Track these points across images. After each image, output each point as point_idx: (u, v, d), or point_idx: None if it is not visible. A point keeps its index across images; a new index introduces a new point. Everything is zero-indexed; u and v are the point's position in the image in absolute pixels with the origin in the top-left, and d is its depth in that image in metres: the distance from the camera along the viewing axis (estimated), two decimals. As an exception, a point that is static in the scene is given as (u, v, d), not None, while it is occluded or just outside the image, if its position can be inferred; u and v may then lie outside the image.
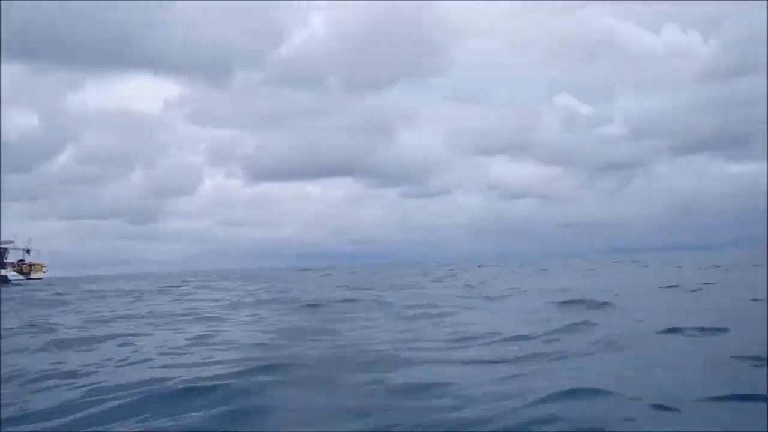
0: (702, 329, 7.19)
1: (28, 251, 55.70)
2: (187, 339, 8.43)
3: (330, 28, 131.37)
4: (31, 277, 52.15)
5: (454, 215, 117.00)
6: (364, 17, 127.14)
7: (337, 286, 23.60)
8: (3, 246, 54.87)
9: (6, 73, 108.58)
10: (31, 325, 11.26)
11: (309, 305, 13.70)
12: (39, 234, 58.89)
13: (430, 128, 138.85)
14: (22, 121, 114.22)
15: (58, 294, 25.63)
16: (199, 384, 4.89)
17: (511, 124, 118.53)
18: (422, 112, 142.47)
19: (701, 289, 14.59)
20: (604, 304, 11.20)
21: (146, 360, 6.67)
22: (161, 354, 7.08)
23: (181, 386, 4.87)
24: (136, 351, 7.44)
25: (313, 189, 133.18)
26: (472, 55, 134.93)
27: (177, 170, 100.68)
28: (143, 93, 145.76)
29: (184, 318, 11.94)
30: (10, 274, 47.88)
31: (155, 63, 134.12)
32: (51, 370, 6.21)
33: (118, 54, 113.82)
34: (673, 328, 7.38)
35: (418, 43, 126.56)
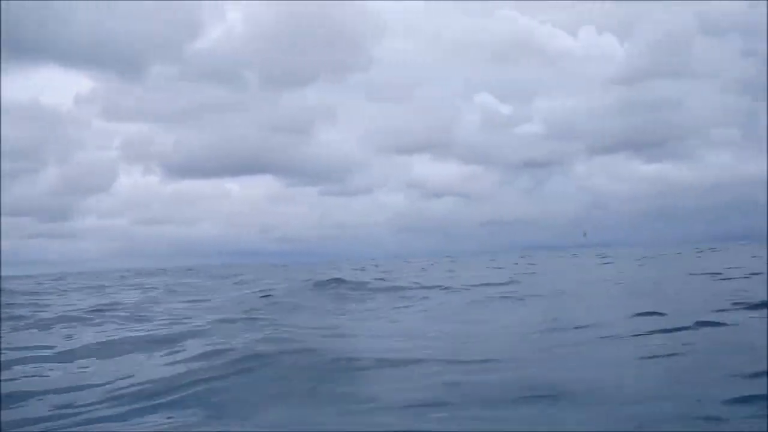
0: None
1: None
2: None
3: (248, 24, 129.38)
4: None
5: (376, 214, 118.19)
6: (282, 13, 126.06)
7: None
8: None
9: None
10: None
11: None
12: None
13: (349, 126, 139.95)
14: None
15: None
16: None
17: (432, 122, 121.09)
18: (342, 111, 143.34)
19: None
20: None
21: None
22: None
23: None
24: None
25: (232, 186, 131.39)
26: (392, 54, 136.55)
27: (91, 167, 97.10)
28: (53, 86, 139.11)
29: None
30: None
31: (65, 55, 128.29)
32: None
33: (26, 45, 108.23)
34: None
35: (338, 41, 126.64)
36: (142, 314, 11.21)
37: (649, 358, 5.51)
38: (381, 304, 12.40)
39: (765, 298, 8.41)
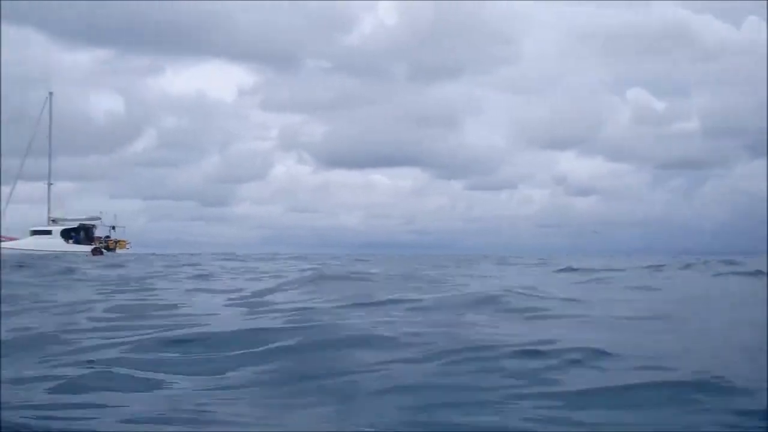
0: None
1: (113, 228, 58.77)
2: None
3: (399, 18, 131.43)
4: (116, 252, 55.16)
5: (519, 208, 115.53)
6: (433, 8, 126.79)
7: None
8: (92, 222, 58.16)
9: (92, 57, 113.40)
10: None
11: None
12: (123, 213, 62.21)
13: (496, 120, 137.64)
14: (108, 104, 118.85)
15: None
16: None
17: (580, 118, 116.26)
18: (488, 104, 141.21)
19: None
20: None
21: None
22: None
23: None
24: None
25: (379, 178, 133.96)
26: (541, 46, 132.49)
27: (249, 155, 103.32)
28: (218, 80, 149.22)
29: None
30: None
31: (229, 51, 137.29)
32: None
33: (195, 41, 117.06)
34: None
35: (486, 33, 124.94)
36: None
37: None
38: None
39: None
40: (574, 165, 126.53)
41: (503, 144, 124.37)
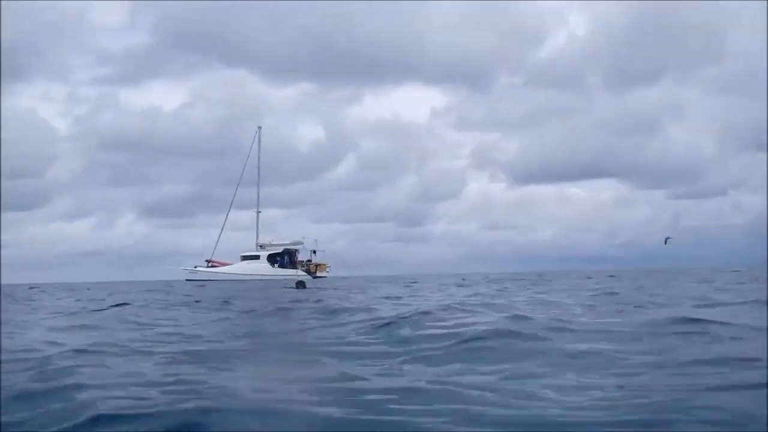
0: None
1: (314, 252, 60.79)
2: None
3: (591, 25, 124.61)
4: (317, 275, 56.70)
5: (731, 217, 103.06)
6: (627, 10, 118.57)
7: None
8: (294, 247, 60.62)
9: (299, 90, 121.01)
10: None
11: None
12: (324, 236, 64.52)
13: (700, 124, 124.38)
14: (311, 134, 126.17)
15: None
16: None
17: None
18: (691, 107, 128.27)
19: None
20: None
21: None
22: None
23: None
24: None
25: (575, 191, 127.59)
26: (746, 41, 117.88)
27: (443, 175, 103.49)
28: (412, 102, 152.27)
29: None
30: (299, 273, 52.32)
31: (422, 74, 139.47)
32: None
33: (391, 67, 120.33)
34: None
35: (687, 33, 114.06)
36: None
37: None
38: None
39: None
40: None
41: (709, 148, 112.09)
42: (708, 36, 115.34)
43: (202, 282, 46.84)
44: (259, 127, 63.08)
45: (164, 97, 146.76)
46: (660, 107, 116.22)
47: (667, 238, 55.53)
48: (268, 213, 65.26)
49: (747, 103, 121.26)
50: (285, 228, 73.42)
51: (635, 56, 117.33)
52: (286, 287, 29.91)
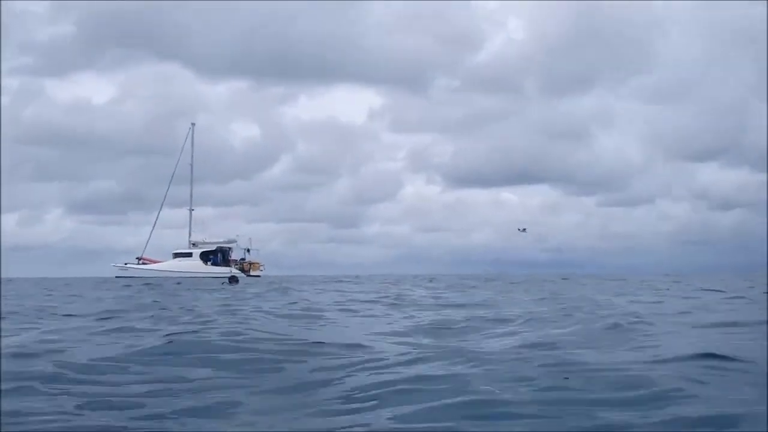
0: None
1: (248, 251, 60.63)
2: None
3: (528, 30, 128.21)
4: (250, 274, 56.65)
5: (657, 225, 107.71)
6: (562, 17, 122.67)
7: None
8: (228, 245, 60.32)
9: (232, 88, 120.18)
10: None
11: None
12: (258, 236, 64.26)
13: (629, 132, 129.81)
14: (246, 132, 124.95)
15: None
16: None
17: (721, 126, 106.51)
18: (621, 115, 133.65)
19: None
20: None
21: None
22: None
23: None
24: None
25: (509, 196, 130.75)
26: (676, 52, 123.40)
27: (378, 177, 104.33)
28: (348, 103, 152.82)
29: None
30: (233, 271, 52.21)
31: (359, 74, 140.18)
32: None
33: (325, 67, 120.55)
34: None
35: (619, 43, 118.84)
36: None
37: None
38: None
39: None
40: (717, 177, 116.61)
41: (638, 157, 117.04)
42: (640, 46, 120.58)
43: (132, 279, 46.25)
44: (193, 124, 62.58)
45: (93, 90, 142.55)
46: (592, 115, 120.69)
47: (521, 228, 58.30)
48: (202, 211, 64.45)
49: (675, 113, 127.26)
50: (219, 227, 72.62)
51: (570, 63, 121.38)
52: (218, 285, 30.18)
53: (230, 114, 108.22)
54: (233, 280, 33.48)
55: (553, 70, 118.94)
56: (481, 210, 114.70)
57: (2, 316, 7.53)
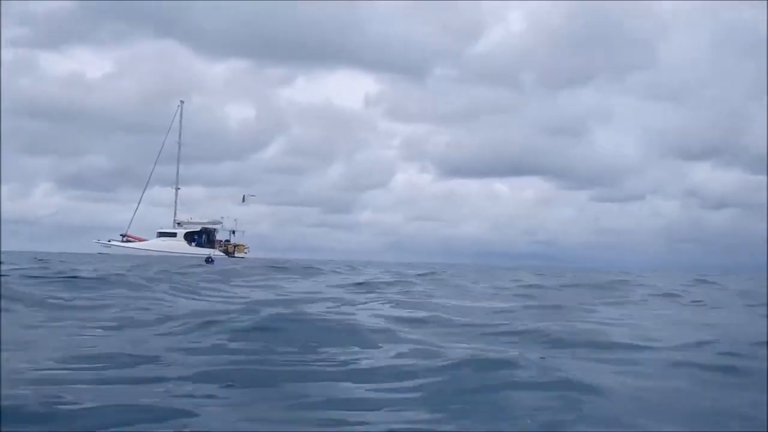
0: None
1: (233, 232, 60.52)
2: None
3: (528, 23, 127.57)
4: (235, 256, 56.47)
5: (648, 222, 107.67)
6: (563, 11, 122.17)
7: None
8: (213, 226, 60.10)
9: (229, 68, 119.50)
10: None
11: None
12: (248, 218, 64.09)
13: (626, 128, 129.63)
14: (241, 113, 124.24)
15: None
16: None
17: (717, 126, 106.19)
18: (619, 112, 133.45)
19: None
20: None
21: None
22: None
23: None
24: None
25: (501, 187, 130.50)
26: (677, 52, 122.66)
27: (372, 164, 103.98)
28: (345, 88, 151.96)
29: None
30: (215, 253, 52.02)
31: (357, 59, 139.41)
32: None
33: (326, 51, 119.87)
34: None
35: (620, 39, 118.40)
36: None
37: None
38: None
39: None
40: (709, 177, 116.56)
41: (633, 154, 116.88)
42: (642, 43, 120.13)
43: (113, 257, 46.04)
44: (182, 101, 62.30)
45: (88, 64, 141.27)
46: (589, 109, 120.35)
47: (245, 196, 58.27)
48: (191, 191, 64.83)
49: (672, 111, 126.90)
50: (208, 207, 72.34)
51: (569, 57, 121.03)
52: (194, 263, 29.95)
53: (227, 94, 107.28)
54: (209, 261, 33.39)
55: (552, 64, 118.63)
56: (474, 200, 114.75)
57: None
